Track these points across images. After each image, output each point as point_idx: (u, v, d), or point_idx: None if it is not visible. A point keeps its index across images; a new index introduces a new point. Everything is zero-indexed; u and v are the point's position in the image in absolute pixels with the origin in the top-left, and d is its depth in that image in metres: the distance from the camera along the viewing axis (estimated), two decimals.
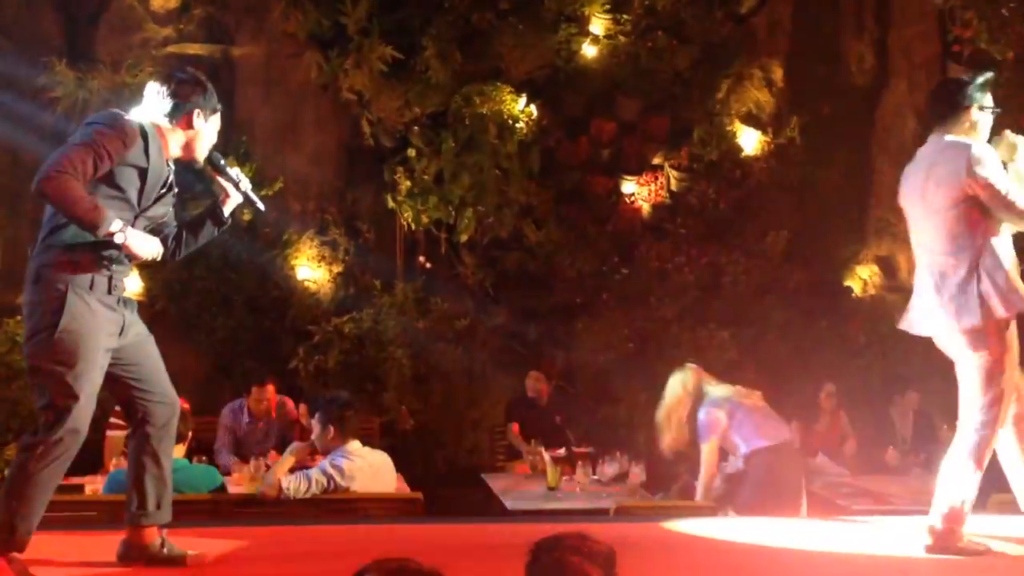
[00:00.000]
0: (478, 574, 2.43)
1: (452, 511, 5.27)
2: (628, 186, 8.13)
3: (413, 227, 7.77)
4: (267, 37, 7.83)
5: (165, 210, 3.24)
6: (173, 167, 3.26)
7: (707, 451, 4.78)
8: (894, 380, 7.20)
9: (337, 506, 4.35)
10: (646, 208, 8.15)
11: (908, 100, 8.35)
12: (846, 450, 6.38)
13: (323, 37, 7.68)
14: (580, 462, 5.57)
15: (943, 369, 7.81)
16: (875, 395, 7.17)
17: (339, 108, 7.77)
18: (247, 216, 7.09)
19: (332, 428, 4.48)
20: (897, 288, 8.18)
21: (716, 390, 4.86)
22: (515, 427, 6.65)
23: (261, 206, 3.42)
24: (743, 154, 8.25)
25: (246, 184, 3.38)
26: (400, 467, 5.13)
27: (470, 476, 6.39)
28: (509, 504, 5.27)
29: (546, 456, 5.68)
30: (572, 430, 6.63)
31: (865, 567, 3.61)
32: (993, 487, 4.69)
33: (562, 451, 5.81)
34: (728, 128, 8.26)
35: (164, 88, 3.16)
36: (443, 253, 7.90)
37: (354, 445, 4.51)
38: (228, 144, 7.37)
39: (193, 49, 7.65)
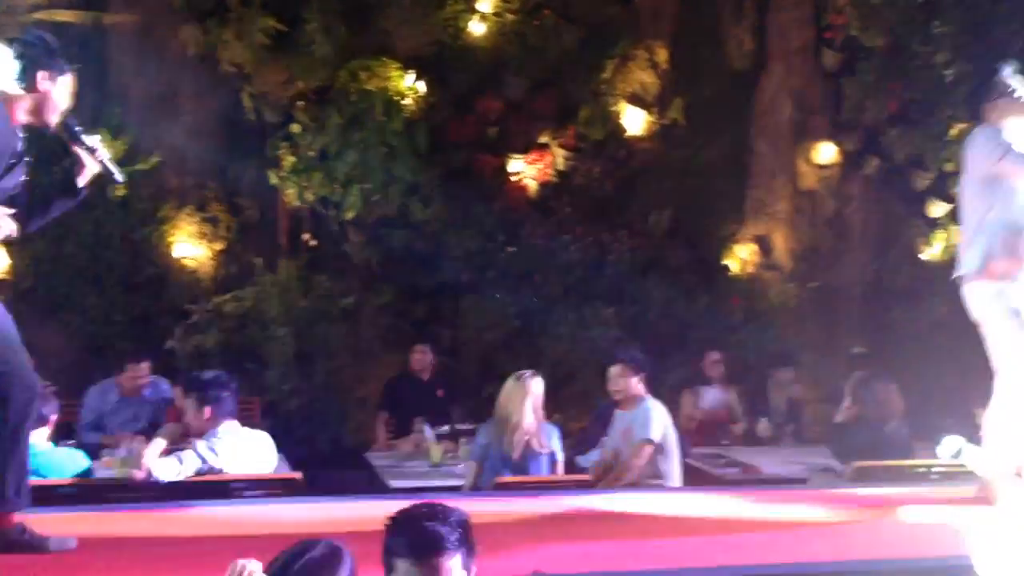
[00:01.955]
0: (357, 552, 2.43)
1: (335, 491, 5.22)
2: (515, 164, 8.18)
3: (297, 204, 7.64)
4: (142, 5, 7.56)
5: (15, 181, 3.09)
6: (22, 135, 3.12)
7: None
8: (770, 356, 7.46)
9: (212, 488, 4.27)
10: (533, 187, 8.21)
11: (785, 84, 8.59)
12: (735, 430, 6.57)
13: (202, 6, 7.46)
14: (463, 439, 5.60)
15: (817, 345, 8.16)
16: (752, 370, 7.41)
17: (219, 81, 7.55)
18: (121, 191, 6.85)
19: (207, 409, 4.38)
20: (772, 266, 8.46)
21: None
22: (384, 416, 6.63)
23: (120, 177, 3.31)
24: (628, 134, 8.37)
25: (103, 153, 3.26)
26: (283, 448, 5.06)
27: (355, 455, 6.35)
28: (392, 482, 5.27)
29: (429, 433, 5.69)
30: (457, 407, 6.66)
31: (735, 535, 3.73)
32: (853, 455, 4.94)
33: (445, 428, 5.82)
34: (614, 108, 8.38)
35: (7, 52, 3.02)
36: (328, 231, 7.79)
37: (230, 426, 4.43)
38: (100, 115, 7.11)
39: (62, 16, 7.31)
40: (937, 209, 8.18)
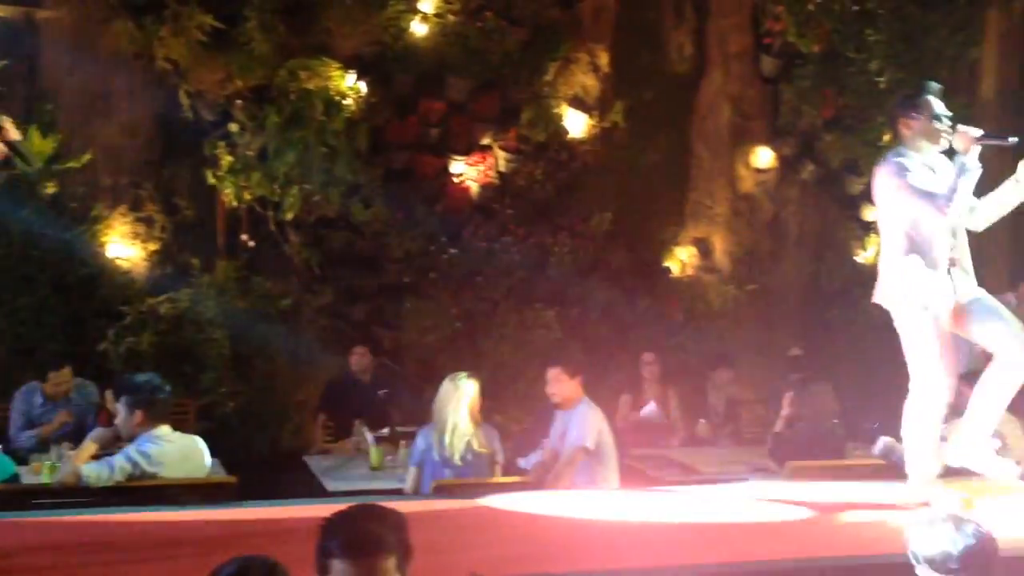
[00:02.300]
0: (293, 556, 2.39)
1: (272, 495, 5.15)
2: (457, 166, 8.15)
3: (235, 204, 7.53)
4: (76, 0, 7.38)
5: None
6: None
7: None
8: (709, 357, 7.53)
9: (144, 493, 4.18)
10: (475, 188, 8.20)
11: (724, 89, 8.70)
12: (673, 442, 6.57)
13: (136, 2, 7.31)
14: (403, 442, 5.55)
15: (755, 347, 8.26)
16: (692, 371, 7.48)
17: (155, 78, 7.41)
18: (51, 189, 6.69)
19: (139, 412, 4.28)
20: (712, 269, 8.56)
21: None
22: (322, 418, 6.56)
23: None
24: (570, 136, 8.40)
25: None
26: (220, 452, 4.97)
27: (293, 459, 6.26)
28: (330, 485, 5.22)
29: (368, 436, 5.64)
30: (397, 410, 6.60)
31: (673, 535, 3.76)
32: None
33: (385, 431, 5.77)
34: (556, 111, 8.40)
35: None
36: (267, 231, 7.69)
37: (163, 430, 4.33)
38: (32, 113, 6.93)
39: None
40: (871, 213, 8.34)
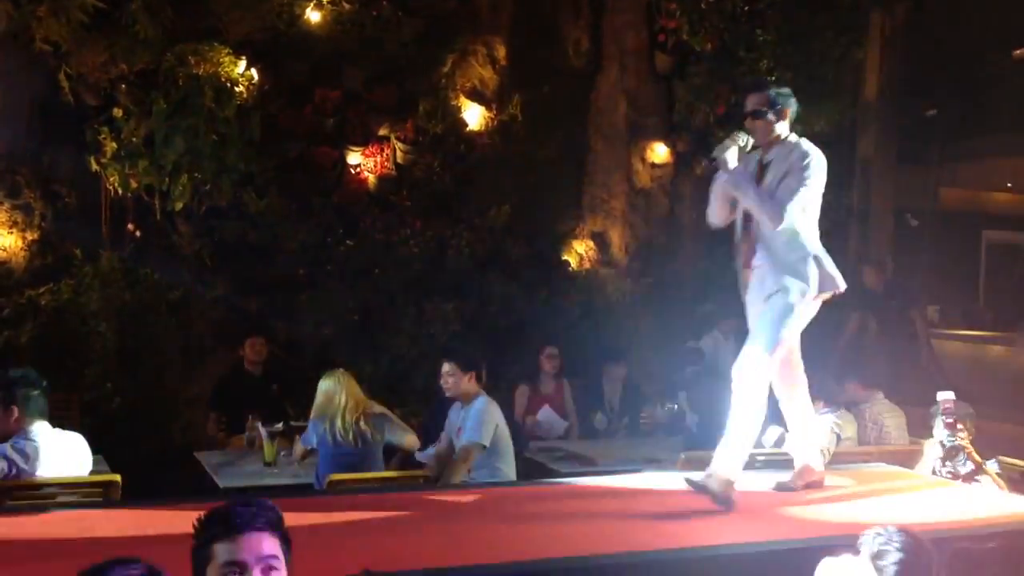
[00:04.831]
0: (179, 556, 2.30)
1: (162, 493, 4.97)
2: (353, 157, 8.03)
3: (120, 192, 7.25)
4: None
5: None
6: None
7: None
8: (606, 350, 7.60)
9: (21, 493, 3.98)
10: (372, 180, 8.09)
11: (620, 84, 8.81)
12: (567, 432, 6.63)
13: None
14: (298, 436, 5.43)
15: (651, 340, 8.36)
16: (589, 365, 7.54)
17: (32, 60, 7.07)
18: None
19: (14, 408, 4.07)
20: (609, 263, 8.65)
21: None
22: (213, 417, 6.40)
23: None
24: (467, 129, 8.37)
25: None
26: (106, 449, 4.79)
27: (184, 455, 6.07)
28: (222, 482, 5.08)
29: (262, 431, 5.51)
30: (292, 403, 6.46)
31: (568, 527, 3.77)
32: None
33: (279, 426, 5.64)
34: (453, 103, 8.37)
35: None
36: (155, 221, 7.43)
37: (41, 427, 4.13)
38: None
39: None
40: None
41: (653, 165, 8.72)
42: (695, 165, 8.67)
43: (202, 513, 2.28)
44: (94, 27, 7.04)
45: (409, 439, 5.13)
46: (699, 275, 8.46)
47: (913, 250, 9.10)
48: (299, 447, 5.09)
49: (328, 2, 7.94)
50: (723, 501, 3.93)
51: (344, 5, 7.99)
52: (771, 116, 4.09)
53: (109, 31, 7.12)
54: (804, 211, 4.03)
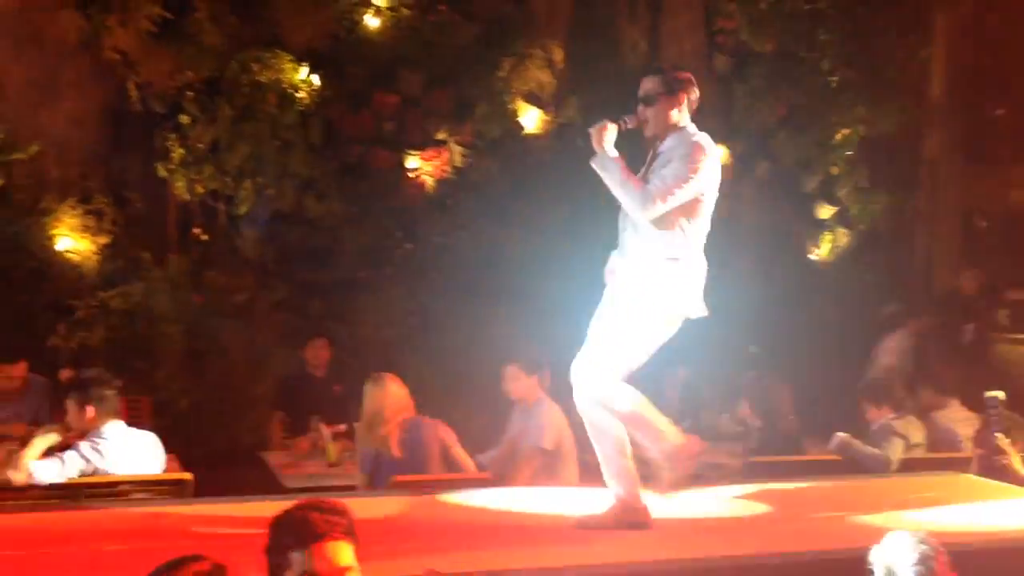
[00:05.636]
0: (250, 553, 2.35)
1: (229, 491, 5.08)
2: (412, 161, 8.11)
3: (187, 197, 7.42)
4: None
5: None
6: None
7: None
8: (665, 354, 7.56)
9: (97, 489, 4.10)
10: (430, 183, 8.16)
11: None
12: None
13: None
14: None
15: (712, 344, 8.31)
16: (647, 368, 7.49)
17: (103, 68, 7.27)
18: None
19: (90, 408, 4.20)
20: None
21: None
22: (277, 418, 6.49)
23: None
24: (525, 132, 8.40)
25: None
26: (175, 448, 4.90)
27: (250, 455, 6.19)
28: (287, 482, 5.16)
29: (325, 432, 5.59)
30: (354, 405, 6.54)
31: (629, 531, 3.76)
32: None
33: (343, 427, 5.72)
34: (510, 106, 8.40)
35: None
36: (220, 225, 7.59)
37: (116, 425, 4.26)
38: None
39: None
40: (824, 211, 8.48)
41: None
42: (754, 167, 8.59)
43: (276, 516, 2.28)
44: (161, 36, 7.22)
45: (460, 453, 4.93)
46: (761, 279, 8.38)
47: (981, 252, 8.93)
48: (360, 475, 4.86)
49: (387, 8, 8.04)
50: (637, 525, 3.63)
51: (403, 11, 8.09)
52: (664, 102, 3.68)
53: (175, 40, 7.30)
54: (683, 208, 3.62)
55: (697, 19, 8.85)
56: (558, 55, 8.65)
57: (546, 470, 4.94)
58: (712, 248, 9.35)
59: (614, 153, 3.69)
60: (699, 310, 3.77)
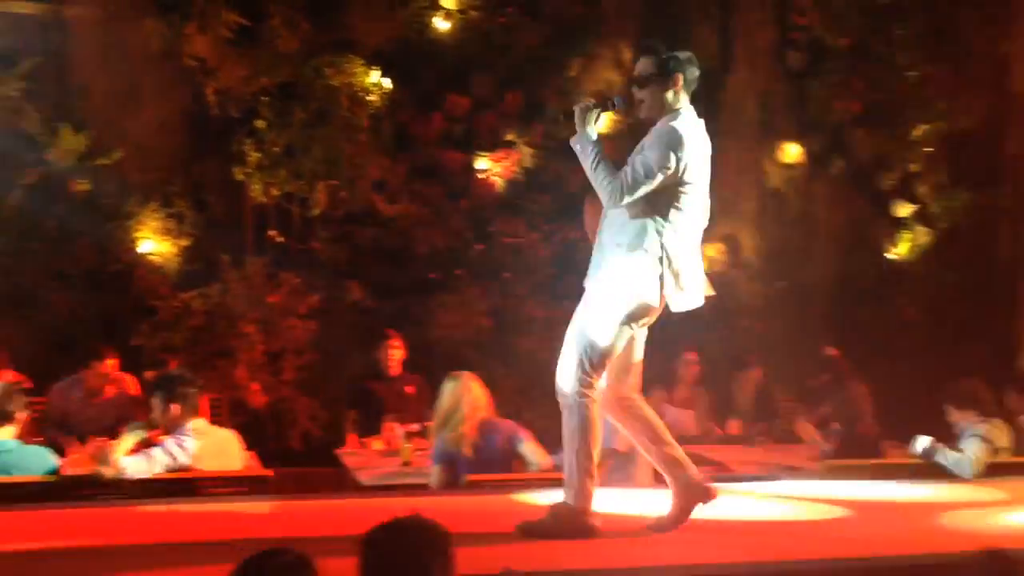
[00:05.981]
0: (329, 549, 2.39)
1: (306, 489, 5.18)
2: (482, 162, 8.15)
3: (263, 200, 7.56)
4: None
5: None
6: None
7: None
8: (738, 355, 7.49)
9: (181, 485, 4.21)
10: (500, 184, 8.19)
11: (750, 84, 8.66)
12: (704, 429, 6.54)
13: (164, 0, 7.36)
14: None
15: (786, 345, 8.20)
16: (718, 369, 7.44)
17: (182, 75, 7.44)
18: (84, 186, 6.73)
19: (174, 406, 4.32)
20: (740, 265, 8.51)
21: None
22: (353, 414, 6.57)
23: None
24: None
25: None
26: (252, 445, 4.99)
27: (325, 453, 6.29)
28: (362, 480, 5.23)
29: (399, 432, 5.65)
30: (427, 405, 6.60)
31: (709, 532, 3.74)
32: None
33: (416, 426, 5.78)
34: None
35: None
36: (295, 227, 7.72)
37: (198, 423, 4.37)
38: (63, 110, 6.98)
39: (21, 7, 7.18)
40: (902, 209, 8.30)
41: (785, 165, 8.54)
42: (830, 165, 8.45)
43: (368, 533, 2.20)
44: (238, 43, 7.37)
45: (533, 448, 4.96)
46: (835, 278, 8.25)
47: None
48: (435, 474, 4.84)
49: (457, 11, 8.09)
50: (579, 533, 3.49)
51: (471, 13, 8.13)
52: (658, 84, 3.49)
53: (252, 46, 7.44)
54: (659, 198, 3.45)
55: (769, 15, 8.74)
56: (627, 55, 8.61)
57: (619, 471, 4.93)
58: (786, 248, 9.26)
59: (594, 136, 3.55)
60: (682, 303, 3.57)
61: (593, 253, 3.70)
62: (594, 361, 3.52)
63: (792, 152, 8.56)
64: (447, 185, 8.03)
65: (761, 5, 8.75)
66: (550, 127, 8.23)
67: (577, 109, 3.57)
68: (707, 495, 3.63)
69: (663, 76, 3.50)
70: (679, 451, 3.72)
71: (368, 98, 7.63)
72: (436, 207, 7.90)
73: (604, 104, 3.61)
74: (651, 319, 3.62)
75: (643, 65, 3.55)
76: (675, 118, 3.50)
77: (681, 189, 3.49)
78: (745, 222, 8.56)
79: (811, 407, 5.98)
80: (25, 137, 6.84)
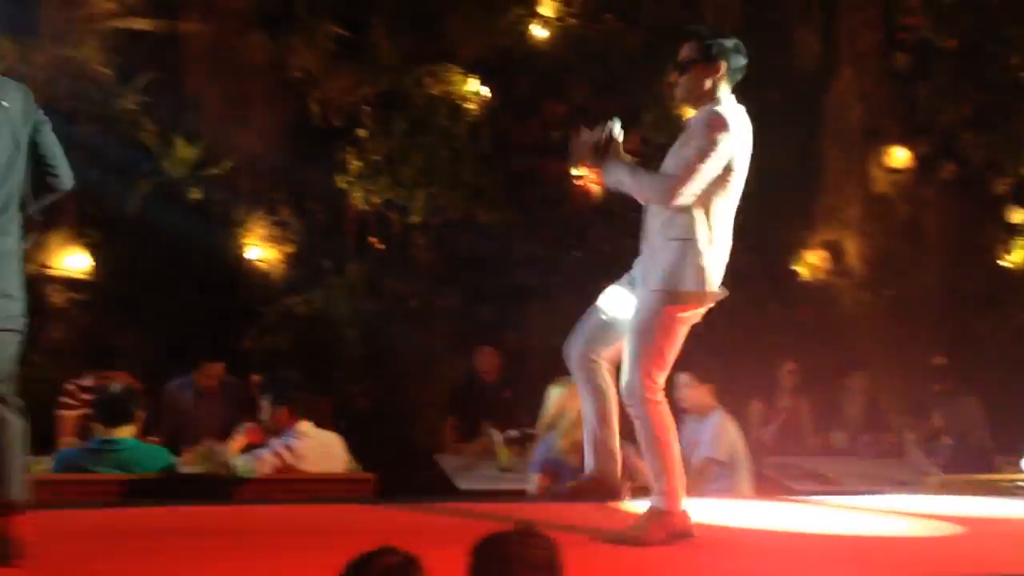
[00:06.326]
0: (430, 553, 2.42)
1: (405, 492, 5.24)
2: (579, 169, 8.14)
3: (364, 208, 7.72)
4: (214, 14, 7.70)
5: None
6: None
7: None
8: (842, 364, 7.31)
9: (288, 486, 4.33)
10: (596, 191, 8.17)
11: (855, 87, 8.47)
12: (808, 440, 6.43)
13: (271, 14, 7.58)
14: (533, 443, 5.57)
15: (893, 355, 7.98)
16: (823, 378, 7.28)
17: (287, 86, 7.66)
18: (197, 194, 6.99)
19: (283, 408, 4.45)
20: (844, 273, 8.32)
21: None
22: (450, 422, 6.62)
23: None
24: None
25: None
26: (352, 448, 5.09)
27: (423, 457, 6.37)
28: (461, 485, 5.28)
29: (497, 436, 5.69)
30: (525, 411, 6.63)
31: (814, 547, 3.67)
32: None
33: (515, 432, 5.82)
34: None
35: None
36: (395, 234, 7.85)
37: (305, 425, 4.49)
38: (177, 122, 7.25)
39: (139, 24, 7.48)
40: (1016, 215, 8.00)
41: (892, 170, 8.31)
42: (939, 169, 8.19)
43: (480, 542, 2.21)
44: (340, 54, 7.54)
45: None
46: (945, 287, 7.98)
47: None
48: (535, 481, 4.81)
49: (554, 19, 8.11)
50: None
51: (569, 20, 8.14)
52: (700, 70, 3.41)
53: (353, 57, 7.61)
54: (706, 188, 3.38)
55: (875, 16, 8.54)
56: None
57: (720, 480, 4.88)
58: (893, 255, 9.02)
59: (618, 156, 3.56)
60: (719, 294, 3.53)
61: (642, 252, 3.67)
62: (655, 363, 3.43)
63: (899, 156, 8.33)
64: (545, 192, 8.06)
65: (866, 5, 8.55)
66: (647, 133, 8.19)
67: (585, 150, 3.66)
68: (611, 496, 3.56)
69: (707, 62, 3.43)
70: (614, 442, 3.64)
71: (466, 106, 7.72)
72: (534, 214, 7.94)
73: (607, 131, 3.64)
74: (703, 310, 3.57)
75: (687, 50, 3.47)
76: (716, 105, 3.43)
77: (727, 178, 3.43)
78: (849, 229, 8.37)
79: (921, 420, 5.81)
80: (142, 148, 7.13)
